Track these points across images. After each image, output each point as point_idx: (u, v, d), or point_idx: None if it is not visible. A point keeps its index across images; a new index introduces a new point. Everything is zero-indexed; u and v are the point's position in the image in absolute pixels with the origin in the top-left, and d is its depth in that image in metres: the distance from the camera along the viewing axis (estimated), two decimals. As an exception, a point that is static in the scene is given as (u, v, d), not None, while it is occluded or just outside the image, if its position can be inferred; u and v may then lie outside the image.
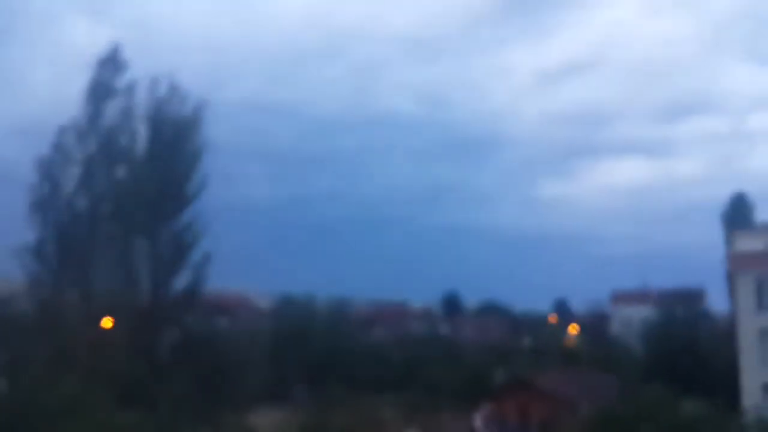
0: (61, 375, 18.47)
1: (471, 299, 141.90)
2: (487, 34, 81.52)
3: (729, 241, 51.41)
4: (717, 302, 65.29)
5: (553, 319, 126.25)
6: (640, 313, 67.76)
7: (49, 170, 29.16)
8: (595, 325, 77.38)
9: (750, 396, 34.34)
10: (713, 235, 73.32)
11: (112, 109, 30.37)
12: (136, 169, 30.61)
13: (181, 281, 32.51)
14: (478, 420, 49.67)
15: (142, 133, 31.88)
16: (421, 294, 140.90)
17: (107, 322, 28.63)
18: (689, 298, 63.32)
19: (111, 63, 30.34)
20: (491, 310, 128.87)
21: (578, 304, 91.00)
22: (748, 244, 41.54)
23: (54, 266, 28.64)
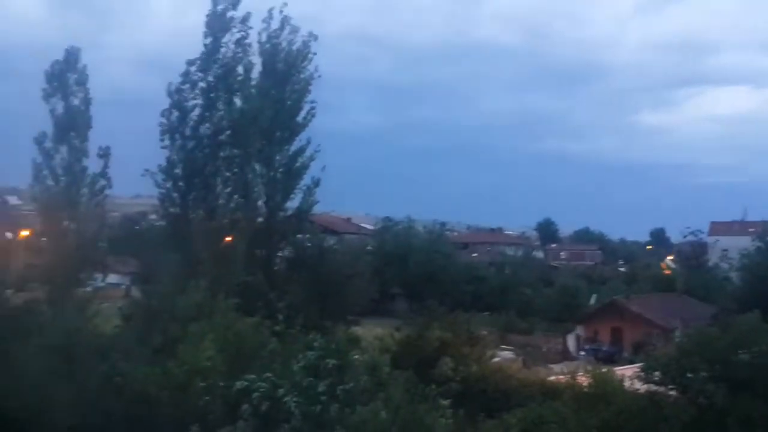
0: (189, 284, 19.68)
1: (566, 228, 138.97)
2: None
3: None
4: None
5: (650, 248, 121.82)
6: (739, 244, 64.25)
7: (177, 98, 30.33)
8: (693, 254, 74.21)
9: None
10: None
11: (229, 41, 30.90)
12: (252, 98, 31.38)
13: (293, 203, 33.79)
14: (570, 341, 49.44)
15: (257, 63, 32.45)
16: (516, 221, 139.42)
17: (228, 237, 30.19)
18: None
19: (227, -5, 30.74)
20: (586, 238, 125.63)
21: (676, 234, 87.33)
22: None
23: (182, 186, 30.20)
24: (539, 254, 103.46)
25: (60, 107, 30.67)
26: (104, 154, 30.47)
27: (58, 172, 30.31)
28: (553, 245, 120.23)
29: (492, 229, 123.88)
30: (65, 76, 30.81)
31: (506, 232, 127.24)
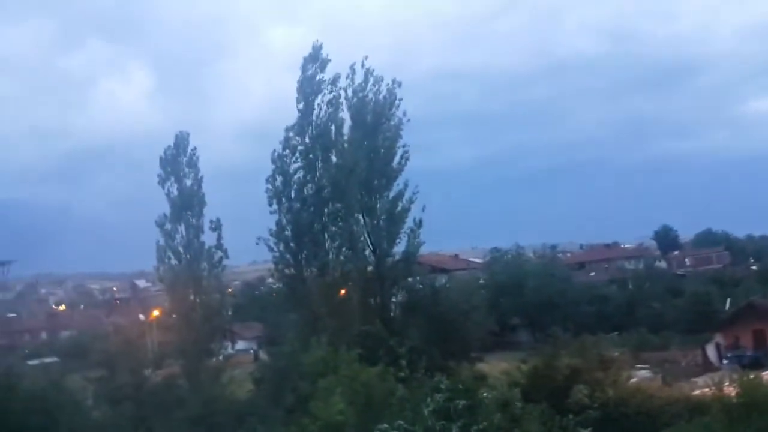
0: (312, 340, 20.05)
1: (687, 232, 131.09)
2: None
3: None
4: None
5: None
6: None
7: (280, 164, 31.64)
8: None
9: None
10: None
11: (321, 102, 32.08)
12: (346, 153, 32.21)
13: (399, 247, 33.98)
14: (710, 351, 46.15)
15: (347, 119, 33.37)
16: (632, 233, 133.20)
17: (342, 290, 30.75)
18: None
19: (315, 61, 32.07)
20: (710, 240, 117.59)
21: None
22: None
23: (293, 247, 31.21)
24: (662, 264, 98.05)
25: (174, 189, 32.86)
26: (216, 226, 32.22)
27: (179, 251, 32.25)
28: (676, 252, 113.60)
29: (607, 245, 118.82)
30: (177, 160, 33.13)
31: (623, 246, 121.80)
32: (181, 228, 32.49)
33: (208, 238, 32.37)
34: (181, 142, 33.43)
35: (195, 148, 33.36)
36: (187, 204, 32.66)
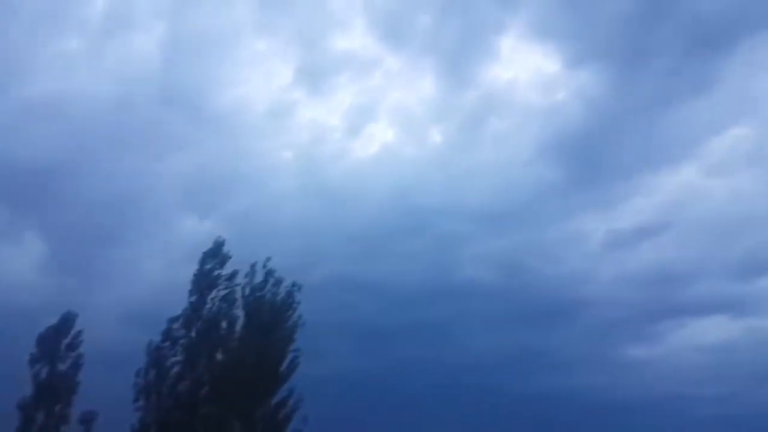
0: None
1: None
2: (559, 203, 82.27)
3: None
4: None
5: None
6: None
7: (156, 356, 29.64)
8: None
9: None
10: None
11: (214, 298, 31.12)
12: (234, 352, 30.73)
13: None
14: None
15: (240, 317, 32.30)
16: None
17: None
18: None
19: (215, 256, 31.71)
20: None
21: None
22: None
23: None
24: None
25: (44, 372, 29.99)
26: (87, 419, 29.13)
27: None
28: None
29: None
30: (57, 341, 30.63)
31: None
32: (40, 416, 29.18)
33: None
34: (65, 322, 31.34)
35: (80, 332, 31.37)
36: (54, 390, 29.71)
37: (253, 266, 33.58)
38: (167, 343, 29.76)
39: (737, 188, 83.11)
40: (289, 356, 33.01)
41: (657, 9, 75.99)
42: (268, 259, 34.00)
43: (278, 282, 34.14)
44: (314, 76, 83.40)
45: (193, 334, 30.12)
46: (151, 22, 78.27)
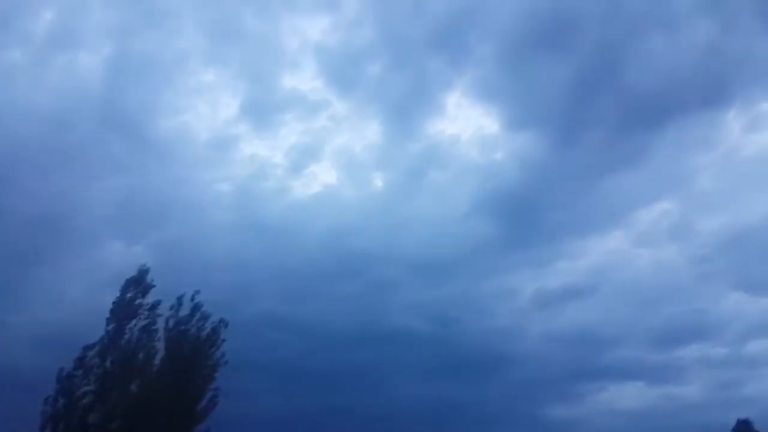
0: None
1: None
2: (492, 259, 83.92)
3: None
4: None
5: None
6: None
7: (68, 384, 28.15)
8: None
9: None
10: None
11: (134, 328, 29.92)
12: (151, 385, 29.45)
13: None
14: None
15: (160, 350, 31.09)
16: None
17: None
18: None
19: (137, 284, 30.63)
20: None
21: None
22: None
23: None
24: None
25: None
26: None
27: None
28: None
29: None
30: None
31: None
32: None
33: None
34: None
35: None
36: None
37: (179, 298, 32.65)
38: (80, 372, 28.31)
39: (660, 259, 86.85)
40: (209, 394, 31.94)
41: (597, 82, 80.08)
42: (197, 292, 33.14)
43: (204, 317, 33.17)
44: (260, 111, 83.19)
45: (108, 363, 28.79)
46: (98, 41, 76.83)
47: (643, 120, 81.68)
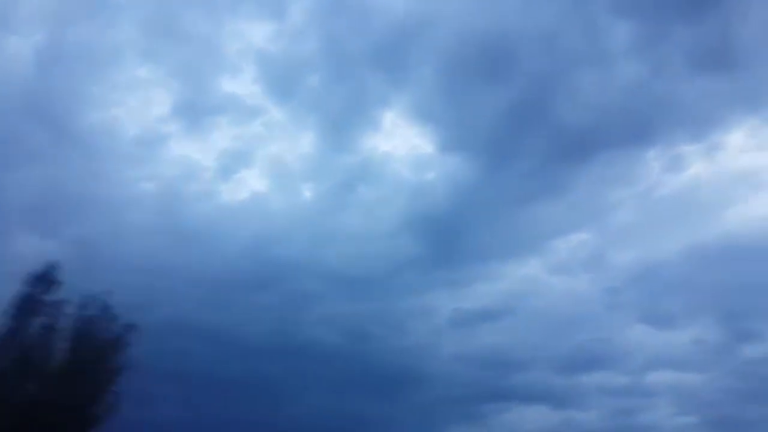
0: None
1: None
2: (413, 277, 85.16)
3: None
4: None
5: None
6: None
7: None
8: None
9: None
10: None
11: (36, 325, 28.75)
12: (48, 386, 28.34)
13: None
14: None
15: (62, 350, 30.01)
16: None
17: None
18: None
19: (43, 280, 29.46)
20: None
21: None
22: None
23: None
24: None
25: None
26: None
27: None
28: None
29: None
30: None
31: None
32: None
33: None
34: None
35: None
36: None
37: (87, 298, 31.67)
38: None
39: (573, 288, 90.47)
40: (109, 397, 31.04)
41: (528, 113, 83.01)
42: (107, 292, 32.21)
43: (112, 318, 32.28)
44: (194, 112, 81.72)
45: (6, 361, 27.50)
46: (31, 27, 73.64)
47: (569, 152, 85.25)
